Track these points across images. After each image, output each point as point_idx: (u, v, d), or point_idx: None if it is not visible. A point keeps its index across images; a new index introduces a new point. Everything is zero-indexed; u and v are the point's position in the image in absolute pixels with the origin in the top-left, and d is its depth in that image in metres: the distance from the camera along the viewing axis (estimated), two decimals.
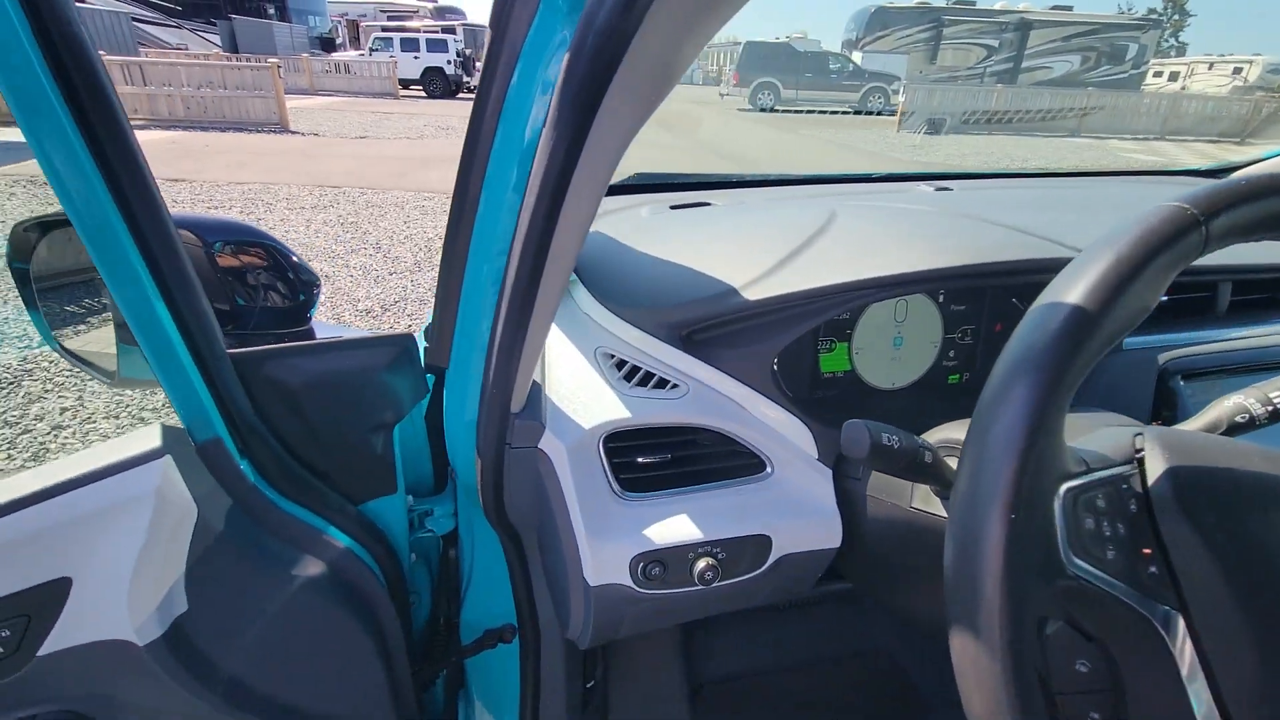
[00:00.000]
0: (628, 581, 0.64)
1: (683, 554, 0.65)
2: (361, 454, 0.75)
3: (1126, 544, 0.39)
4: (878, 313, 0.77)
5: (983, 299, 0.80)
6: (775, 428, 0.71)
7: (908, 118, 14.22)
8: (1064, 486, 0.39)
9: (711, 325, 0.72)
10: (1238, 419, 0.58)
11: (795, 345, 0.74)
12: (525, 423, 0.63)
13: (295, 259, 0.75)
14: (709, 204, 1.09)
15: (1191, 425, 0.60)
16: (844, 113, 17.59)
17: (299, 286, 0.75)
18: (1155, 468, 0.41)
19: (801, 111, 17.43)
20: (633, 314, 0.74)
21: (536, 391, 0.66)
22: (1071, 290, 0.37)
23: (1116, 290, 0.36)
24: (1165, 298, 0.85)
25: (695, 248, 0.84)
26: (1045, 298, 0.38)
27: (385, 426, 0.75)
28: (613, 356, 0.72)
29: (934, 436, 0.62)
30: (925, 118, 13.91)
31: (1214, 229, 0.37)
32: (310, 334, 0.77)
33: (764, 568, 0.68)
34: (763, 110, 17.86)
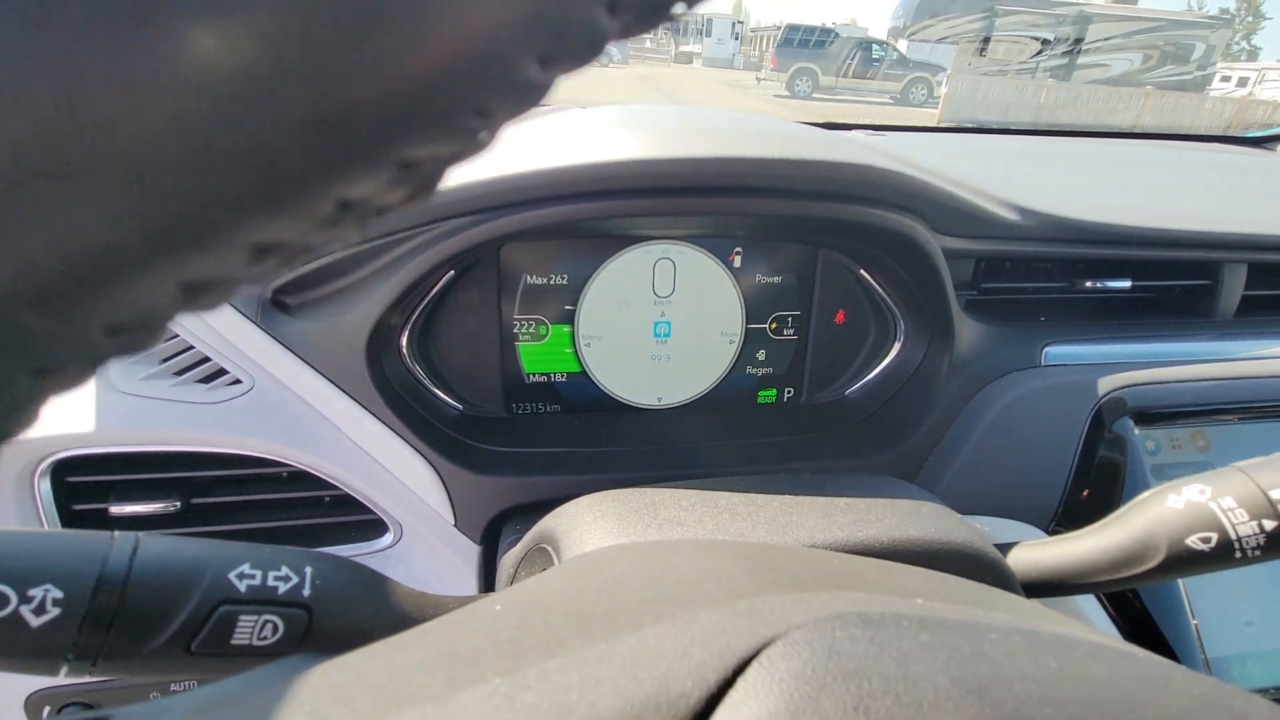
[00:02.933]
0: None
1: (143, 690, 0.36)
2: None
3: None
4: (622, 274, 0.46)
5: (812, 264, 0.49)
6: (386, 463, 0.41)
7: (951, 109, 13.53)
8: None
9: (306, 275, 0.41)
10: (1193, 544, 0.26)
11: (436, 314, 0.44)
12: None
13: None
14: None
15: (1075, 546, 0.28)
16: (883, 104, 16.88)
17: None
18: None
19: (840, 100, 16.77)
20: None
21: None
22: None
23: None
24: (1127, 283, 0.52)
25: None
26: None
27: None
28: None
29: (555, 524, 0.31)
30: (967, 111, 13.22)
31: None
32: None
33: None
34: (800, 98, 17.25)
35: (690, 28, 29.79)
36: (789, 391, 0.52)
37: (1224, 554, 0.25)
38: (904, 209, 0.40)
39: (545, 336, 0.47)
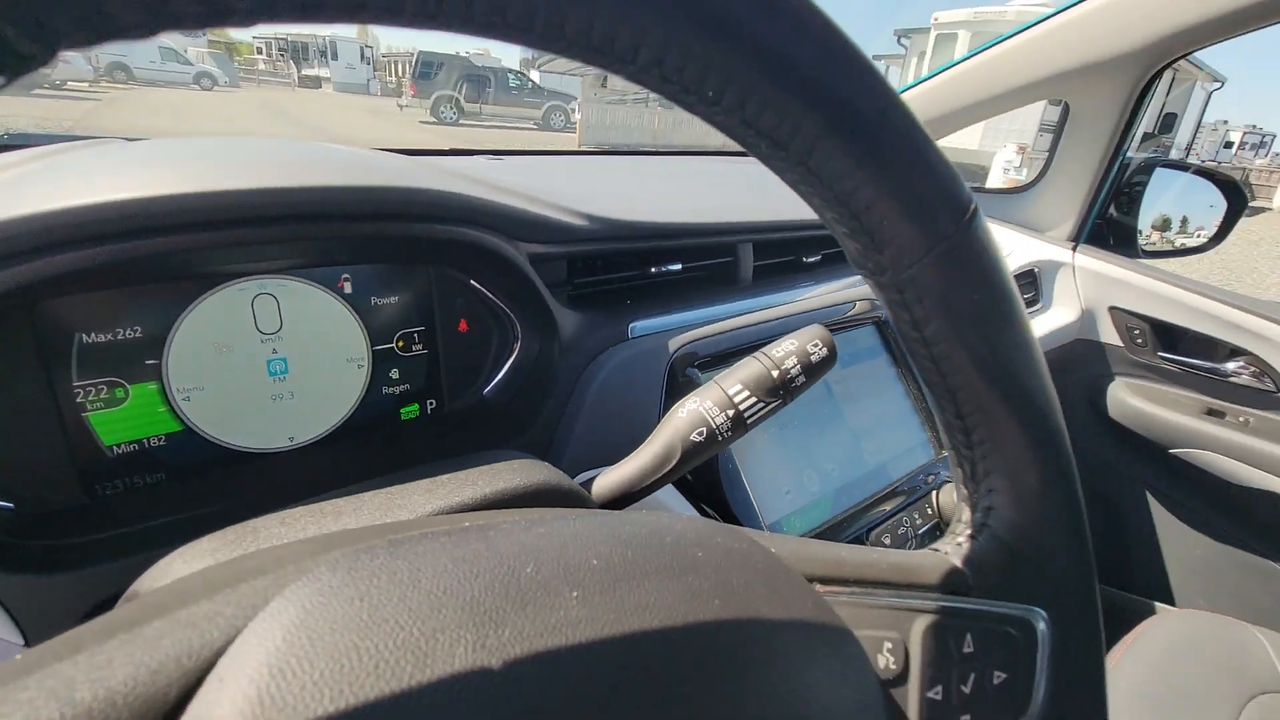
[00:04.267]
0: None
1: None
2: None
3: None
4: (214, 317, 0.43)
5: (425, 281, 0.52)
6: None
7: (586, 133, 15.16)
8: None
9: None
10: (694, 439, 0.36)
11: None
12: None
13: None
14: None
15: (629, 466, 0.37)
16: (527, 129, 18.04)
17: None
18: None
19: (485, 126, 17.37)
20: None
21: None
22: None
23: None
24: (679, 266, 0.67)
25: None
26: None
27: None
28: None
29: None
30: (600, 135, 14.96)
31: None
32: None
33: None
34: (447, 124, 17.36)
35: (312, 51, 27.45)
36: (431, 403, 0.54)
37: (712, 440, 0.36)
38: (477, 224, 0.46)
39: (125, 400, 0.41)
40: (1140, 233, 1.21)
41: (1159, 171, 1.19)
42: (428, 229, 0.43)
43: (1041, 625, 0.26)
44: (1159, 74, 1.02)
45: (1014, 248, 1.17)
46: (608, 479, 0.37)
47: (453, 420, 0.55)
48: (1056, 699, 0.26)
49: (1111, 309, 1.14)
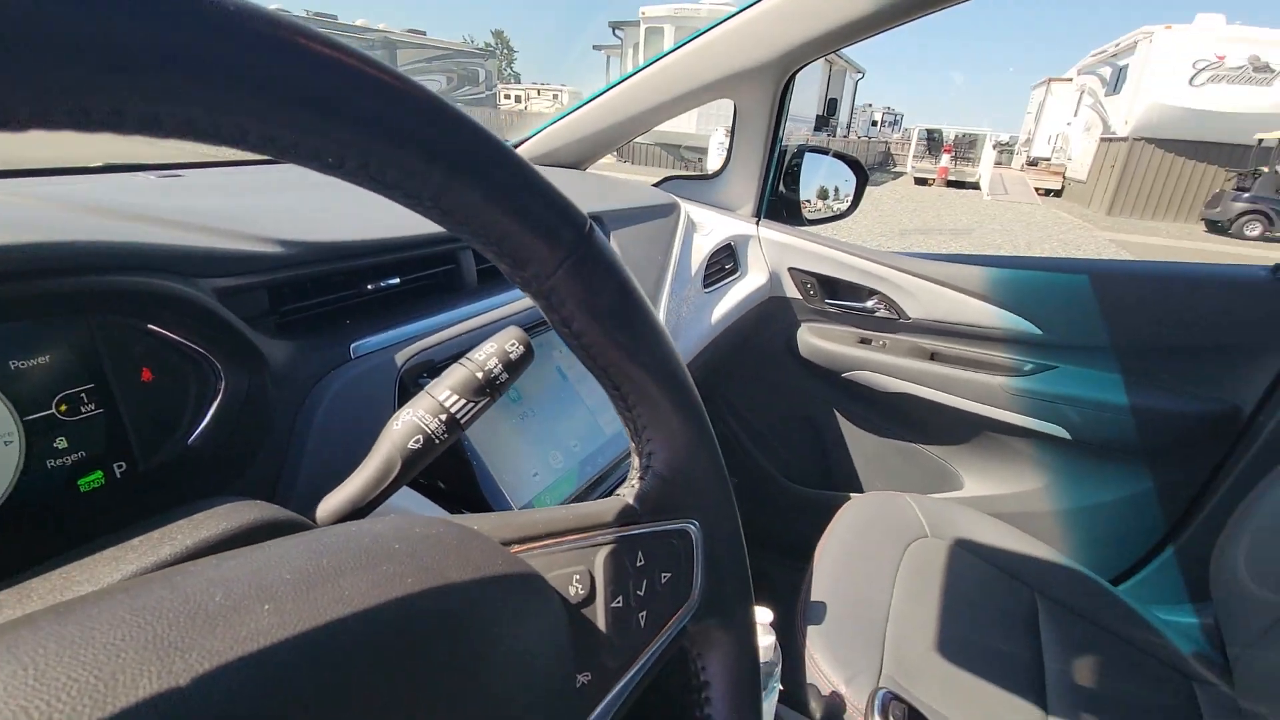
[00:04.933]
0: None
1: None
2: None
3: None
4: None
5: (84, 333, 0.45)
6: None
7: None
8: None
9: None
10: (412, 447, 0.39)
11: None
12: None
13: None
14: None
15: (352, 484, 0.39)
16: None
17: None
18: None
19: None
20: None
21: None
22: None
23: None
24: (397, 280, 0.68)
25: None
26: None
27: None
28: None
29: None
30: None
31: None
32: None
33: None
34: None
35: None
36: (120, 466, 0.48)
37: (430, 446, 0.39)
38: (137, 269, 0.42)
39: None
40: (805, 204, 1.50)
41: (807, 155, 1.48)
42: (68, 283, 0.38)
43: (694, 530, 0.35)
44: (793, 76, 1.27)
45: (713, 226, 1.37)
46: (331, 500, 0.38)
47: (154, 478, 0.49)
48: (711, 582, 0.35)
49: (790, 269, 1.40)
